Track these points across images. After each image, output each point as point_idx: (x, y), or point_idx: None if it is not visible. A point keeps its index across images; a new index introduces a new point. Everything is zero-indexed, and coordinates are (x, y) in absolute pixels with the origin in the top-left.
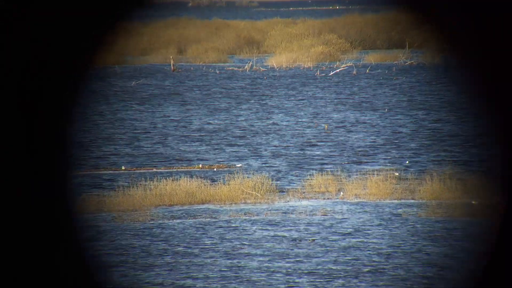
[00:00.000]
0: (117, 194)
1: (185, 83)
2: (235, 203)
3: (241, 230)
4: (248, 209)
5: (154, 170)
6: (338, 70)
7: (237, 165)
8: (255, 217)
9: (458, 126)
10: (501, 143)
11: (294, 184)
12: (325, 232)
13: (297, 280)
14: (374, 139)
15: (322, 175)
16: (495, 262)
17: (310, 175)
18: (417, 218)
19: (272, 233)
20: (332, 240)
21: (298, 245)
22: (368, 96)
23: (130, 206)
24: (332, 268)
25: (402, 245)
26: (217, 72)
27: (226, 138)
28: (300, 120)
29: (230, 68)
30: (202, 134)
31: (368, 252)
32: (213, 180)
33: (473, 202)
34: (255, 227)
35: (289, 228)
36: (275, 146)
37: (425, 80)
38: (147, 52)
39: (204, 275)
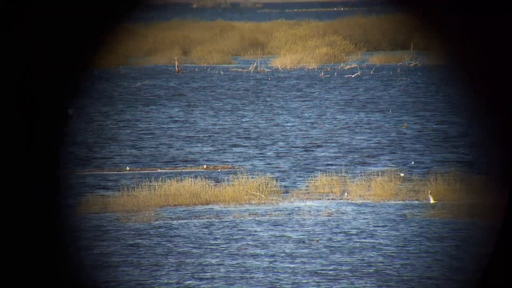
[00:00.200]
0: (121, 194)
1: (189, 84)
2: (239, 204)
3: (246, 231)
4: (253, 209)
5: (159, 170)
6: (343, 70)
7: (239, 166)
8: (260, 218)
9: (463, 127)
10: (502, 144)
11: (299, 185)
12: (329, 232)
13: (302, 281)
14: (379, 140)
15: (326, 176)
16: (497, 262)
17: (314, 176)
18: (422, 219)
19: (276, 234)
20: (336, 241)
21: (302, 245)
22: (373, 97)
23: (134, 207)
24: (336, 269)
25: (407, 245)
26: (222, 73)
27: (230, 139)
28: (304, 121)
29: (235, 69)
30: (206, 135)
31: (373, 252)
32: (217, 181)
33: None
34: (259, 228)
35: (293, 228)
36: (279, 147)
37: (430, 81)
38: (152, 53)
39: (210, 275)
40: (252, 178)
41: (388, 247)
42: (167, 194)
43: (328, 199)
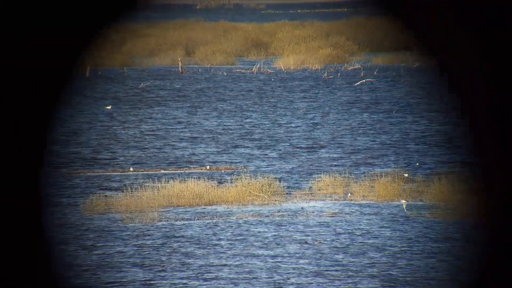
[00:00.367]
0: (125, 195)
1: (193, 85)
2: (242, 205)
3: (249, 232)
4: (256, 210)
5: (162, 171)
6: (347, 71)
7: (242, 167)
8: (263, 219)
9: (466, 128)
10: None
11: (302, 186)
12: (333, 233)
13: (305, 281)
14: (382, 140)
15: (330, 176)
16: (498, 263)
17: (318, 176)
18: (425, 219)
19: (280, 234)
20: (340, 242)
21: (306, 246)
22: (376, 98)
23: (138, 207)
24: (340, 270)
25: (411, 246)
26: (225, 74)
27: (233, 140)
28: (308, 121)
29: (238, 70)
30: (209, 136)
31: (377, 253)
32: (220, 182)
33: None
34: (263, 229)
35: (297, 229)
36: (283, 147)
37: (433, 82)
38: (155, 53)
39: (214, 276)
40: (255, 179)
41: (391, 248)
42: (171, 194)
43: (332, 200)
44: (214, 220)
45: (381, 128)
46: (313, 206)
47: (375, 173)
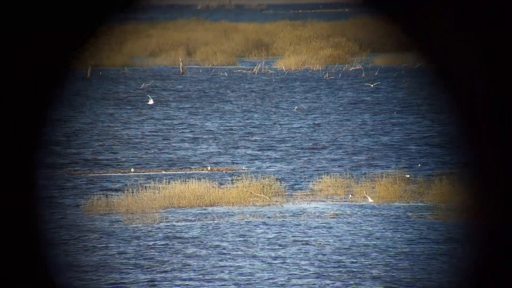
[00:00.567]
0: (126, 196)
1: (194, 85)
2: (244, 206)
3: (250, 232)
4: (257, 211)
5: (163, 172)
6: (348, 71)
7: (243, 168)
8: (264, 220)
9: (466, 128)
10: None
11: (303, 187)
12: (334, 234)
13: (307, 282)
14: (384, 141)
15: (331, 177)
16: (498, 263)
17: (319, 177)
18: (427, 220)
19: (281, 235)
20: (341, 243)
21: (307, 247)
22: (377, 98)
23: (139, 208)
24: (341, 271)
25: (412, 247)
26: (226, 74)
27: (234, 141)
28: (309, 122)
29: (239, 70)
30: (210, 136)
31: (378, 254)
32: (221, 183)
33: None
34: (264, 229)
35: (298, 230)
36: (284, 148)
37: (435, 82)
38: (156, 54)
39: (215, 277)
40: (256, 179)
41: (393, 249)
42: (172, 196)
43: (333, 201)
44: (215, 221)
45: (382, 129)
46: (314, 207)
47: (376, 174)
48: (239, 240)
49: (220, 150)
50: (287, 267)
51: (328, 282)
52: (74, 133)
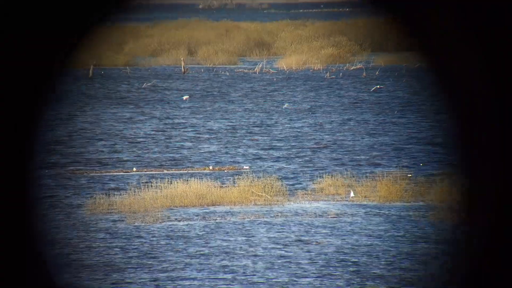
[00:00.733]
0: (128, 195)
1: (196, 85)
2: (245, 205)
3: (252, 232)
4: (258, 210)
5: (165, 171)
6: (349, 71)
7: (245, 167)
8: (265, 219)
9: (466, 128)
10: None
11: (304, 186)
12: (335, 234)
13: (308, 281)
14: (385, 141)
15: (332, 177)
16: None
17: (320, 177)
18: (428, 220)
19: (282, 235)
20: (342, 242)
21: (308, 246)
22: (379, 98)
23: (141, 208)
24: (342, 270)
25: (413, 247)
26: (227, 74)
27: (236, 140)
28: (310, 122)
29: (241, 70)
30: (212, 135)
31: (379, 254)
32: (223, 182)
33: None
34: (265, 229)
35: (299, 230)
36: (285, 147)
37: (434, 82)
38: (158, 53)
39: (216, 276)
40: (258, 179)
41: (394, 249)
42: (173, 195)
43: (334, 200)
44: (217, 220)
45: (383, 128)
46: (316, 206)
47: (377, 173)
48: (242, 239)
49: (222, 149)
50: (288, 266)
51: (329, 281)
52: (76, 132)
